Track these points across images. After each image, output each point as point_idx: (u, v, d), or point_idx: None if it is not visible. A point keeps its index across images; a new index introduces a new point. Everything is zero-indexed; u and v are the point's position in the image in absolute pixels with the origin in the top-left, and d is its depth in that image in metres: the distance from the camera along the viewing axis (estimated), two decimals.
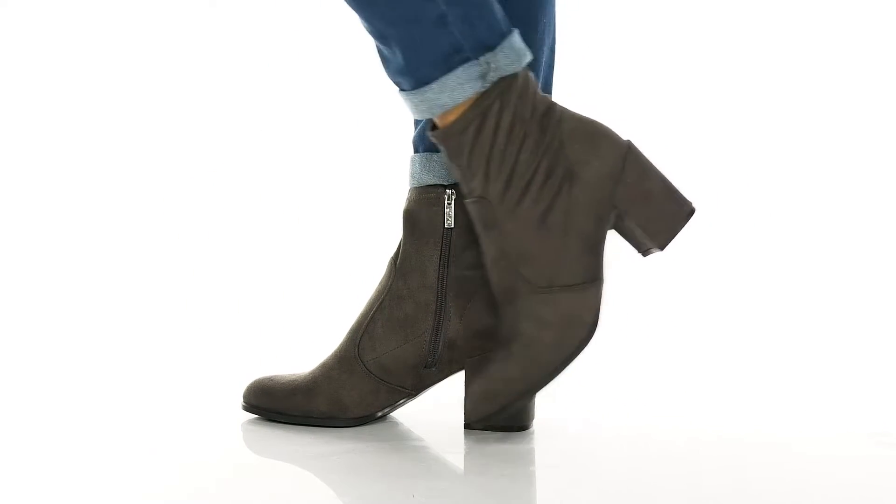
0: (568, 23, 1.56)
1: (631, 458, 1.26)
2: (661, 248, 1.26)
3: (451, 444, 1.30)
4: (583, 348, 1.24)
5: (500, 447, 1.28)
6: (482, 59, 1.23)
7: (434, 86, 1.23)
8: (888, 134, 2.44)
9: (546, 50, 1.36)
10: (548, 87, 1.38)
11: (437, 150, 1.34)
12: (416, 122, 1.38)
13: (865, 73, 2.46)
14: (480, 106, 1.23)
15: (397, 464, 1.25)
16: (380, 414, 1.37)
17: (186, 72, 2.49)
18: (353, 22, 1.27)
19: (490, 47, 1.23)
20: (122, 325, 2.00)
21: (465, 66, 1.23)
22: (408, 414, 1.41)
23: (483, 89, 1.23)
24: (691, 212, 1.27)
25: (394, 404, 1.36)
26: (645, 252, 1.29)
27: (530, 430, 1.35)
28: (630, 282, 2.23)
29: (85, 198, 2.44)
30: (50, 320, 2.02)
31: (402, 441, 1.33)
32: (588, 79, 2.42)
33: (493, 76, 1.23)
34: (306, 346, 1.42)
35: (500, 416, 1.25)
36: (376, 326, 1.35)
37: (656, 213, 1.25)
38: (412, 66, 1.23)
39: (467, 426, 1.33)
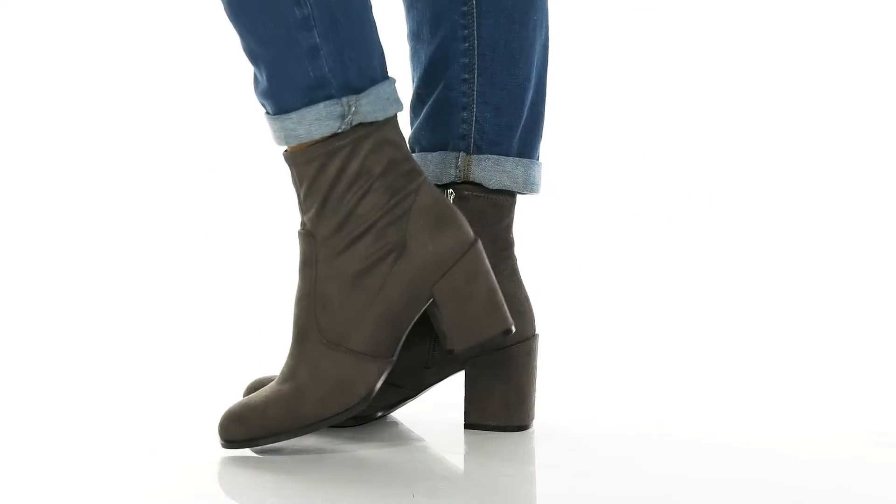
0: (561, 19, 1.56)
1: (631, 458, 1.26)
2: (457, 351, 1.23)
3: (451, 444, 1.30)
4: (345, 416, 1.22)
5: (500, 447, 1.28)
6: (344, 99, 1.21)
7: (294, 115, 1.21)
8: (888, 134, 2.44)
9: (538, 47, 1.36)
10: (541, 84, 1.37)
11: (433, 150, 1.35)
12: (412, 122, 1.38)
13: (865, 73, 2.46)
14: (330, 145, 1.21)
15: (397, 464, 1.25)
16: (380, 414, 1.37)
17: (186, 72, 2.49)
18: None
19: (356, 90, 1.21)
20: (118, 324, 2.00)
21: (327, 102, 1.21)
22: (408, 414, 1.41)
23: (339, 130, 1.21)
24: (506, 331, 1.24)
25: (394, 404, 1.36)
26: (447, 349, 1.26)
27: (530, 429, 1.35)
28: (629, 282, 2.23)
29: (79, 198, 2.44)
30: (44, 321, 2.02)
31: (402, 441, 1.33)
32: (582, 75, 2.42)
33: (352, 119, 1.21)
34: None
35: (250, 445, 1.22)
36: None
37: (467, 318, 1.23)
38: (276, 90, 1.22)
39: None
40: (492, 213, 1.34)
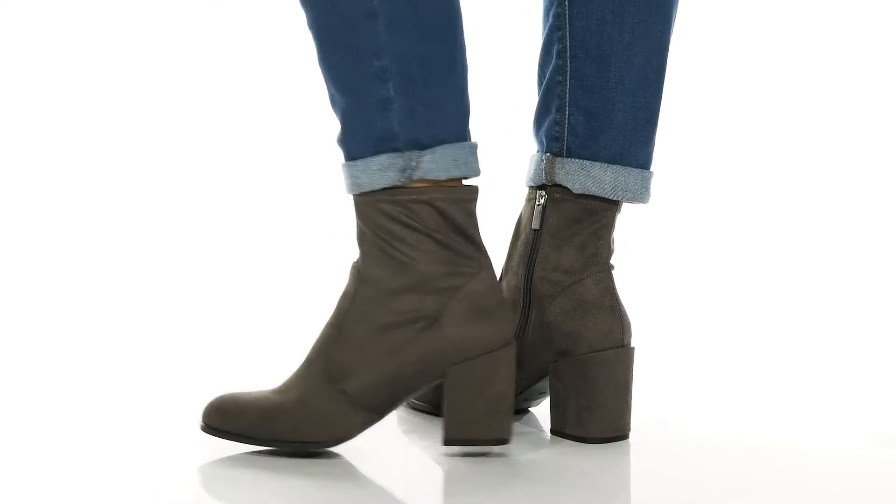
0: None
1: (630, 458, 1.26)
2: (443, 441, 1.23)
3: (448, 446, 1.30)
4: (315, 447, 1.22)
5: (500, 447, 1.28)
6: (408, 153, 1.21)
7: (359, 163, 1.22)
8: (888, 134, 2.44)
9: (642, 50, 1.32)
10: (648, 89, 1.33)
11: (544, 151, 1.35)
12: (540, 120, 1.37)
13: (865, 74, 2.46)
14: (392, 196, 1.21)
15: (397, 464, 1.25)
16: None
17: (185, 72, 2.49)
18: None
19: (422, 146, 1.21)
20: (115, 324, 2.00)
21: (391, 154, 1.21)
22: (407, 414, 1.41)
23: (398, 182, 1.21)
24: (500, 441, 1.23)
25: None
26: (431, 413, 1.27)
27: (530, 431, 1.34)
28: (627, 281, 2.22)
29: (78, 198, 2.43)
30: (42, 319, 2.01)
31: (401, 441, 1.33)
32: None
33: (411, 174, 1.21)
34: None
35: (224, 437, 1.23)
36: None
37: (469, 414, 1.22)
38: (348, 138, 1.23)
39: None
40: (585, 218, 1.32)
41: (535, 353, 1.32)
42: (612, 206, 1.33)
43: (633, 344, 1.32)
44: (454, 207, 1.22)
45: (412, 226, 1.21)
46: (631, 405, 1.31)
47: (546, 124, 1.35)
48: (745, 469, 1.23)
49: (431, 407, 1.39)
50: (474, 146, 1.24)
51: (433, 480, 1.20)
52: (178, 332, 1.91)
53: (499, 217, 1.55)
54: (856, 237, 2.34)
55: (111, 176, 2.46)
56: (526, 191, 1.37)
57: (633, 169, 1.32)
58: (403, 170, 1.21)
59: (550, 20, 1.34)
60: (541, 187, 1.34)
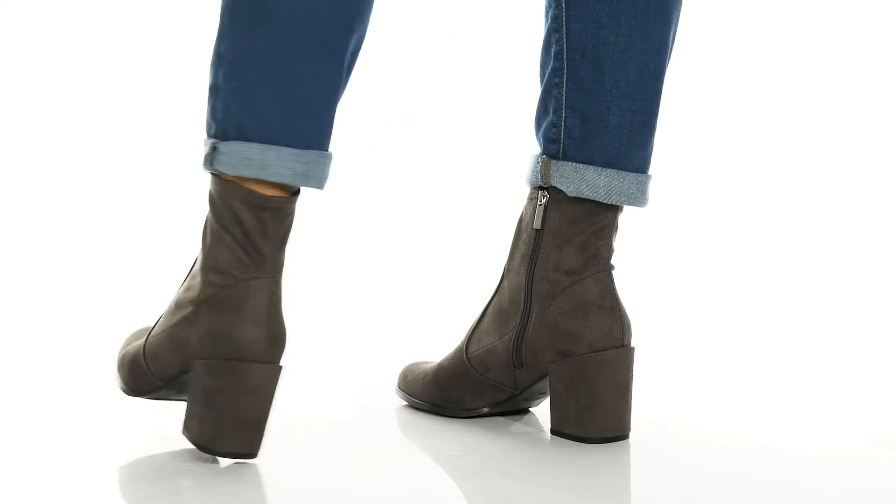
0: None
1: (630, 458, 1.26)
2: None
3: (451, 444, 1.30)
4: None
5: (500, 447, 1.28)
6: (211, 141, 1.21)
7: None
8: (888, 134, 2.44)
9: (639, 53, 1.31)
10: (645, 92, 1.32)
11: (542, 153, 1.35)
12: (539, 122, 1.37)
13: (865, 74, 2.46)
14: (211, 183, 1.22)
15: (397, 464, 1.25)
16: (486, 410, 1.38)
17: (184, 72, 2.49)
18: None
19: (226, 138, 1.19)
20: (114, 324, 2.00)
21: (206, 140, 1.21)
22: (407, 414, 1.41)
23: (211, 171, 1.21)
24: (243, 455, 1.21)
25: (500, 403, 1.37)
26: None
27: (530, 431, 1.34)
28: (627, 281, 2.22)
29: (76, 198, 2.44)
30: (41, 318, 2.02)
31: (401, 441, 1.33)
32: None
33: (212, 164, 1.20)
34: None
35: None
36: (484, 321, 1.38)
37: (210, 422, 1.20)
38: None
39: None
40: (587, 218, 1.32)
41: (535, 353, 1.32)
42: (613, 207, 1.33)
43: (633, 344, 1.32)
44: (244, 209, 1.19)
45: (214, 214, 1.21)
46: (631, 405, 1.31)
47: (544, 126, 1.35)
48: (745, 469, 1.23)
49: (432, 406, 1.40)
50: (305, 154, 1.18)
51: (433, 480, 1.20)
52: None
53: (498, 217, 1.55)
54: (856, 238, 2.34)
55: (111, 176, 2.46)
56: (528, 190, 1.37)
57: (629, 173, 1.31)
58: (205, 158, 1.20)
59: (549, 21, 1.34)
60: (542, 187, 1.35)
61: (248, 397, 1.18)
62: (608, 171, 1.31)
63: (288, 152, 1.18)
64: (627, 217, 1.38)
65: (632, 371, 1.31)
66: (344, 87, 1.22)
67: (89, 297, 2.12)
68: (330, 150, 1.21)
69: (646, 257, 2.24)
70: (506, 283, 1.37)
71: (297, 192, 1.21)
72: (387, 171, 2.41)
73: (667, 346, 1.83)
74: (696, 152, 2.44)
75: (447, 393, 1.39)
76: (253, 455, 1.20)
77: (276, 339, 1.20)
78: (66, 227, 2.39)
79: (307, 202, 1.33)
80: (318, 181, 1.20)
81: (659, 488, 1.18)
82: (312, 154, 1.19)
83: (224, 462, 1.20)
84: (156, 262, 2.27)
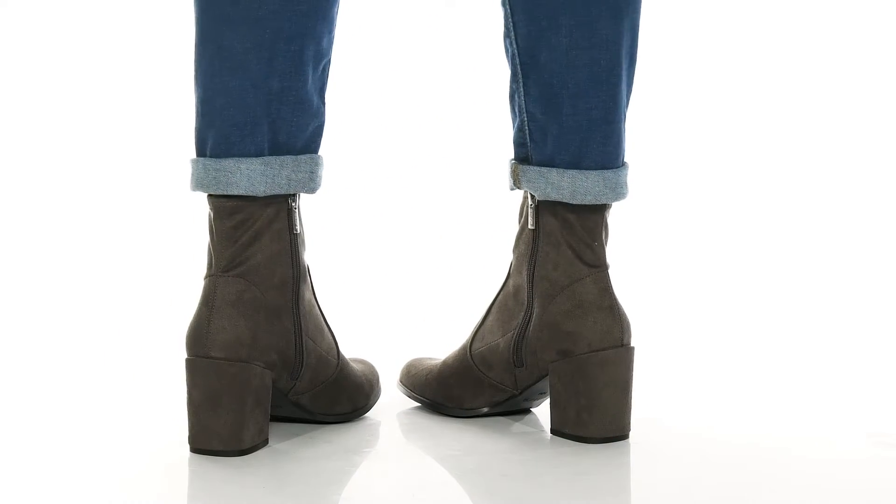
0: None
1: (630, 458, 1.26)
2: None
3: (450, 443, 1.30)
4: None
5: (500, 447, 1.28)
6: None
7: None
8: (888, 134, 2.44)
9: (586, 52, 1.30)
10: (600, 91, 1.30)
11: (513, 157, 1.36)
12: (512, 126, 1.37)
13: (865, 74, 2.46)
14: None
15: (397, 464, 1.25)
16: (486, 410, 1.38)
17: (183, 72, 2.48)
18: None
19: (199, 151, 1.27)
20: (113, 324, 2.00)
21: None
22: (407, 414, 1.41)
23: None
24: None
25: (499, 403, 1.37)
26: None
27: (530, 431, 1.35)
28: (627, 281, 2.22)
29: (76, 198, 2.43)
30: (37, 317, 2.02)
31: (401, 441, 1.33)
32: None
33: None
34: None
35: None
36: (489, 319, 1.39)
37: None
38: None
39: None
40: (576, 218, 1.32)
41: (535, 353, 1.32)
42: (600, 206, 1.32)
43: (632, 343, 1.32)
44: (212, 212, 1.26)
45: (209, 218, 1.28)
46: (631, 405, 1.31)
47: (514, 130, 1.35)
48: (745, 469, 1.23)
49: (433, 403, 1.40)
50: (203, 162, 1.25)
51: (433, 480, 1.20)
52: (175, 331, 1.91)
53: (500, 218, 1.55)
54: (855, 238, 2.34)
55: (110, 176, 2.46)
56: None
57: (591, 171, 1.30)
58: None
59: (503, 26, 1.34)
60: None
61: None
62: (571, 171, 1.30)
63: (200, 164, 1.27)
64: (627, 217, 1.38)
65: (632, 371, 1.31)
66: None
67: (89, 297, 2.12)
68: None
69: (646, 257, 2.24)
70: (510, 281, 1.37)
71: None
72: (384, 168, 2.41)
73: (667, 345, 1.83)
74: (697, 152, 2.44)
75: (449, 390, 1.39)
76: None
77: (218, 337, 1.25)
78: (65, 228, 2.39)
79: (307, 202, 1.33)
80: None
81: (659, 488, 1.18)
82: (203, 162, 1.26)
83: (224, 461, 1.20)
84: (156, 263, 2.27)
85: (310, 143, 1.27)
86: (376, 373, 1.43)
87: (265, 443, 1.25)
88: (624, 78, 1.31)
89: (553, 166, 1.31)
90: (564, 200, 1.30)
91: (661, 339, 1.89)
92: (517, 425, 1.36)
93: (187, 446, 1.23)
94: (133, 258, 2.29)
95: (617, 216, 1.36)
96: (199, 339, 1.22)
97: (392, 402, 1.44)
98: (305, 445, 1.27)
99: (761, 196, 2.41)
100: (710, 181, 2.42)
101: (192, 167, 1.26)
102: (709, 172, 2.43)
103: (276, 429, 1.33)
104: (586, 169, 1.30)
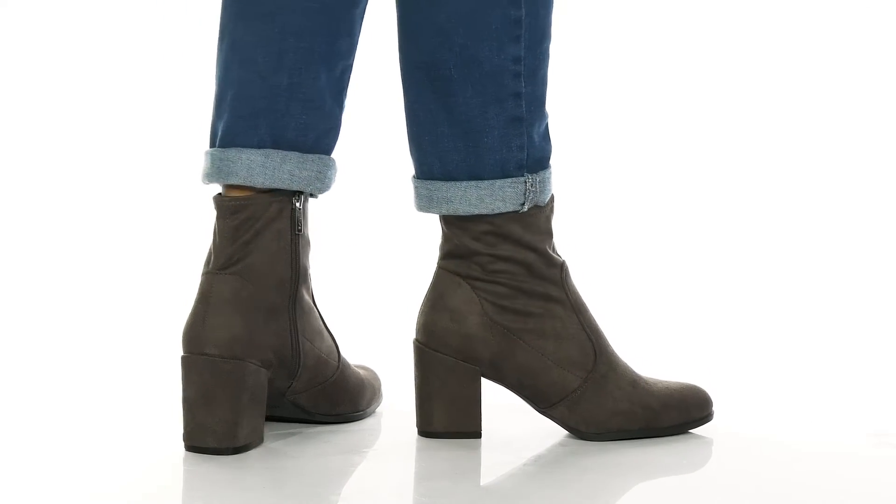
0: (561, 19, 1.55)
1: (629, 456, 1.26)
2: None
3: (450, 443, 1.30)
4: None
5: (499, 447, 1.28)
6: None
7: None
8: (888, 134, 2.44)
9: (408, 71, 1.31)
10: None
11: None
12: None
13: (865, 74, 2.46)
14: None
15: (397, 464, 1.25)
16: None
17: (183, 72, 2.49)
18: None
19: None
20: (112, 323, 2.00)
21: None
22: (406, 414, 1.41)
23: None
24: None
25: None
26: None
27: (531, 430, 1.34)
28: (628, 281, 2.23)
29: (72, 198, 2.44)
30: (33, 318, 2.02)
31: (401, 441, 1.33)
32: (576, 76, 2.42)
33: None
34: None
35: None
36: None
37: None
38: None
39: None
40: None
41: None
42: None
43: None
44: (216, 212, 1.27)
45: None
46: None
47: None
48: (745, 469, 1.23)
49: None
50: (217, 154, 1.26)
51: (433, 479, 1.20)
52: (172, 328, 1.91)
53: None
54: (855, 238, 2.34)
55: (111, 176, 2.46)
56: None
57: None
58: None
59: None
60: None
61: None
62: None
63: (213, 154, 1.28)
64: (628, 216, 1.37)
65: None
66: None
67: (85, 294, 2.12)
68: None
69: (646, 256, 2.24)
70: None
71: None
72: (384, 168, 2.41)
73: (667, 346, 1.83)
74: (697, 152, 2.44)
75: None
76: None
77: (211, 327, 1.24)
78: (65, 227, 2.39)
79: (313, 205, 1.33)
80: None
81: (659, 488, 1.18)
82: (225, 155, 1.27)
83: (220, 460, 1.20)
84: (156, 263, 2.27)
85: (320, 144, 1.27)
86: (379, 379, 1.43)
87: (260, 441, 1.25)
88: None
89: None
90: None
91: (661, 339, 1.89)
92: (517, 425, 1.36)
93: (182, 444, 1.23)
94: (131, 256, 2.30)
95: (616, 216, 1.36)
96: (195, 337, 1.22)
97: (391, 402, 1.44)
98: (304, 445, 1.27)
99: (761, 196, 2.41)
100: (711, 181, 2.42)
101: (203, 159, 1.27)
102: (709, 172, 2.43)
103: (274, 428, 1.33)
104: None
